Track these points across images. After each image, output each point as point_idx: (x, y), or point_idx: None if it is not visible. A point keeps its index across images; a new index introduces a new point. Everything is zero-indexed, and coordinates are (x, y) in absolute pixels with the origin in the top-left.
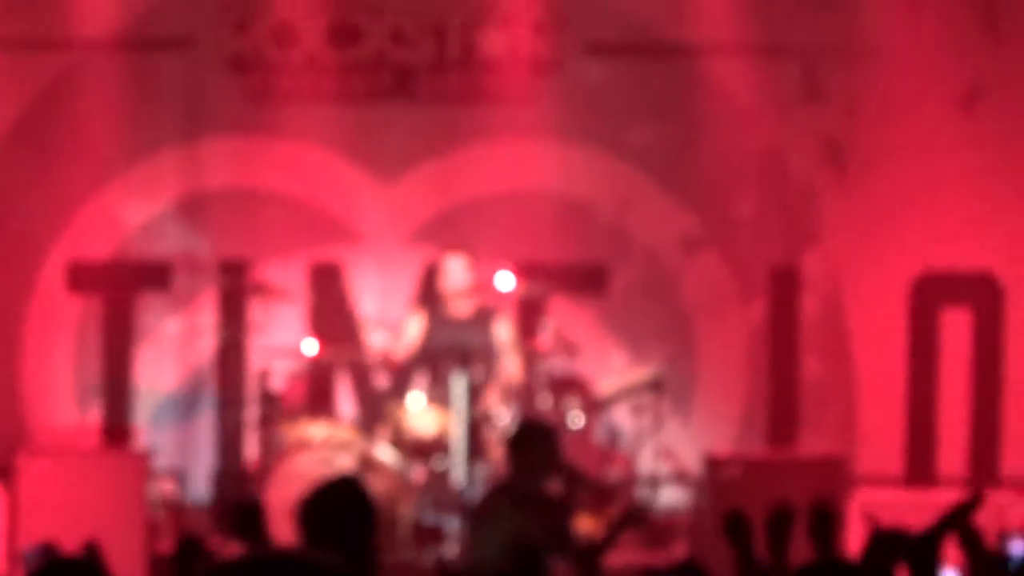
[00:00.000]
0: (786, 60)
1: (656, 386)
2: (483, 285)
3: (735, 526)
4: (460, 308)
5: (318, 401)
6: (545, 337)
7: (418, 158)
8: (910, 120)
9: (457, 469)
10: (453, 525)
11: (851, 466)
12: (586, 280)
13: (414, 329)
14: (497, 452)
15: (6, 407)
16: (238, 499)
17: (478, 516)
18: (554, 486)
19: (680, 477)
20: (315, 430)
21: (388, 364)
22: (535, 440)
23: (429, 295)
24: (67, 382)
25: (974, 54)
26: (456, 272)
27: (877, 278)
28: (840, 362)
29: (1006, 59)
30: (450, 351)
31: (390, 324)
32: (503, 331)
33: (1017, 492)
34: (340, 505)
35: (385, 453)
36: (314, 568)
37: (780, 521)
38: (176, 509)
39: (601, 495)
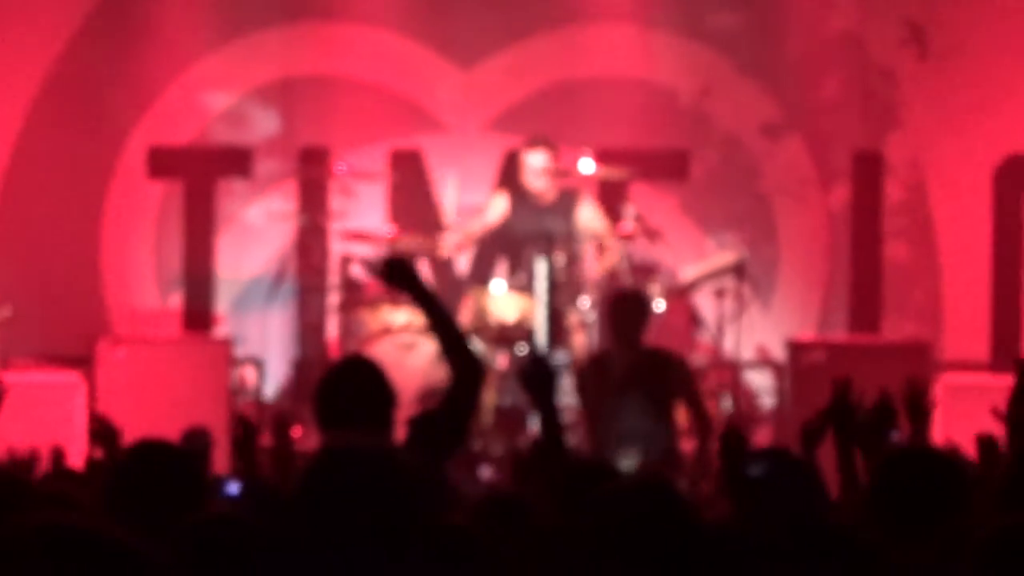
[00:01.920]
0: None
1: (738, 271)
2: (565, 171)
3: (839, 408)
4: (542, 195)
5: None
6: (627, 222)
7: (498, 44)
8: (993, 2)
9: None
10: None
11: (936, 351)
12: (668, 166)
13: (498, 208)
14: (579, 337)
15: (87, 293)
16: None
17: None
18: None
19: (764, 362)
20: (396, 316)
21: (465, 243)
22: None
23: (511, 179)
24: (148, 268)
25: None
26: (537, 160)
27: (961, 162)
28: (924, 247)
29: None
30: (533, 236)
31: (471, 212)
32: (587, 213)
33: None
34: (354, 386)
35: None
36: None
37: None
38: (257, 396)
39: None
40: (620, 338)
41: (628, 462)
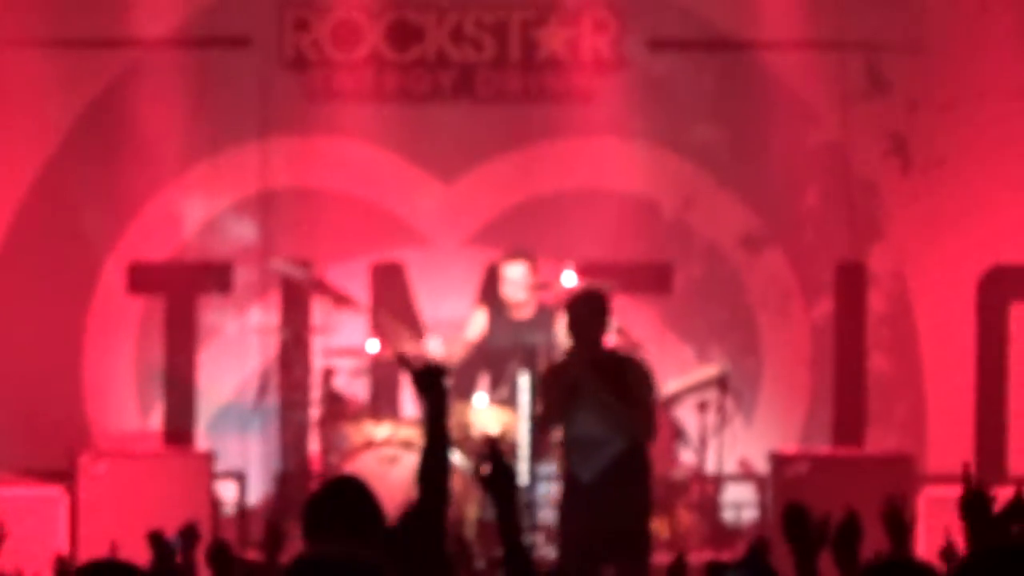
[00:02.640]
0: (850, 54)
1: (721, 384)
2: (545, 284)
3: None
4: (522, 310)
5: (381, 400)
6: (609, 336)
7: (479, 158)
8: (975, 114)
9: (521, 468)
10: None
11: (920, 464)
12: (650, 278)
13: (478, 323)
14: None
15: (68, 410)
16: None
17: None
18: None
19: (746, 475)
20: (378, 430)
21: (449, 361)
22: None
23: (492, 294)
24: (129, 384)
25: None
26: (515, 272)
27: (944, 273)
28: (908, 359)
29: None
30: (514, 350)
31: (452, 325)
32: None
33: None
34: (342, 504)
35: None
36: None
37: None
38: (239, 511)
39: (669, 493)
40: (578, 339)
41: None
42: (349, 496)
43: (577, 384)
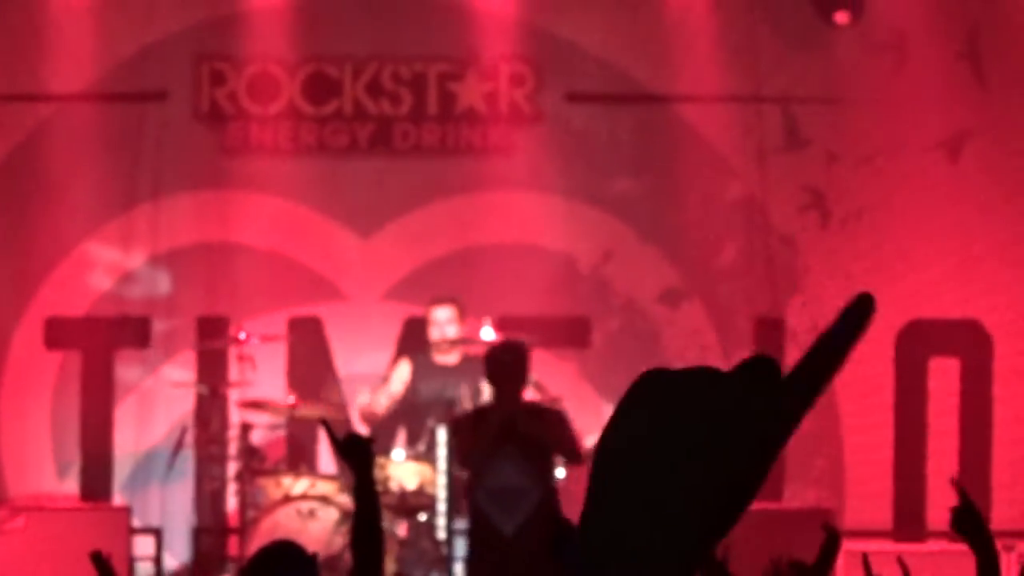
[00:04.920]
0: (767, 108)
1: None
2: (468, 339)
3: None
4: (447, 356)
5: (299, 455)
6: (528, 390)
7: (397, 212)
8: (893, 168)
9: (439, 522)
10: None
11: (839, 519)
12: (568, 333)
13: (401, 375)
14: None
15: None
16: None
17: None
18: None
19: None
20: (296, 484)
21: (371, 417)
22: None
23: (412, 346)
24: (45, 439)
25: (958, 102)
26: (444, 314)
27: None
28: (826, 413)
29: (991, 107)
30: (434, 403)
31: (368, 380)
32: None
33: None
34: (280, 568)
35: None
36: None
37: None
38: (156, 567)
39: None
40: (498, 390)
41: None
42: (288, 561)
43: (497, 433)
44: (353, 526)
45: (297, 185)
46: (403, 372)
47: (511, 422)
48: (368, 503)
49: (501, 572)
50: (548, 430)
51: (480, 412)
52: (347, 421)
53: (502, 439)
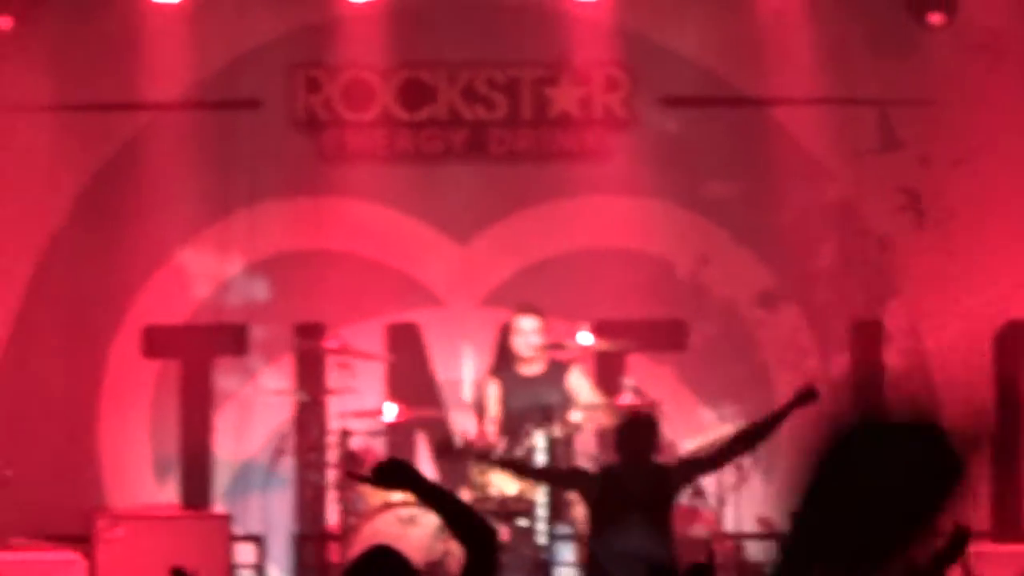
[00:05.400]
0: (861, 110)
1: None
2: (562, 344)
3: None
4: (532, 365)
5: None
6: (625, 395)
7: (493, 217)
8: (988, 169)
9: (539, 528)
10: None
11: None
12: (665, 337)
13: (493, 398)
14: (580, 509)
15: (85, 474)
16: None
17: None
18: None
19: (766, 533)
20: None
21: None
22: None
23: (503, 358)
24: (145, 448)
25: None
26: (527, 324)
27: (961, 329)
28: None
29: None
30: (529, 410)
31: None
32: (576, 380)
33: None
34: (380, 572)
35: None
36: None
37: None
38: (257, 575)
39: (689, 551)
40: (628, 457)
41: None
42: (388, 566)
43: (626, 500)
44: (450, 527)
45: (393, 191)
46: (493, 393)
47: (642, 490)
48: (444, 506)
49: None
50: (673, 489)
51: (608, 474)
52: (446, 426)
53: (630, 506)
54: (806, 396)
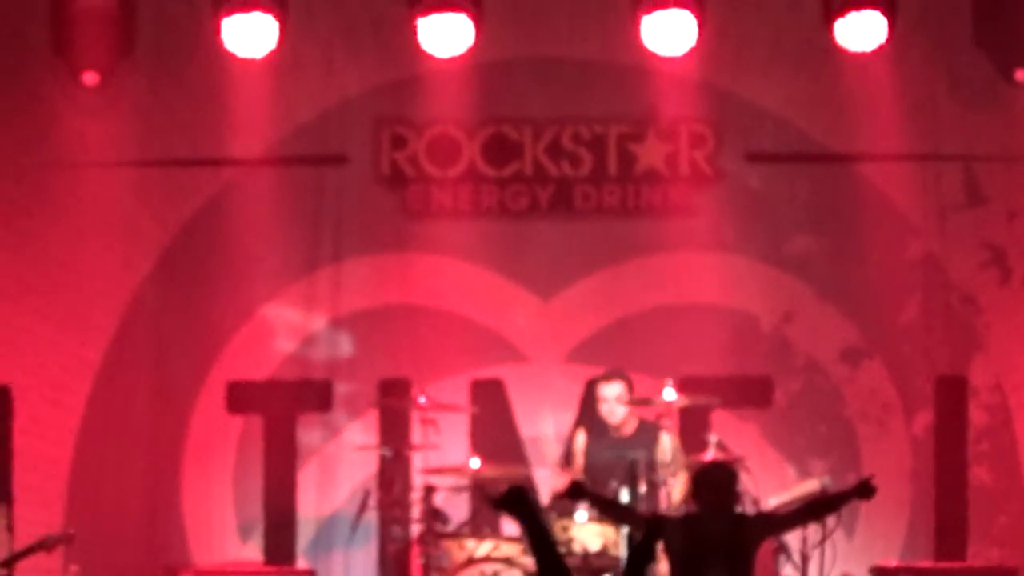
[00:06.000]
0: (946, 165)
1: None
2: (647, 399)
3: None
4: (623, 428)
5: (482, 517)
6: (710, 450)
7: (577, 273)
8: None
9: None
10: None
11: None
12: (750, 393)
13: (579, 447)
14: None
15: (168, 528)
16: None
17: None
18: None
19: None
20: (480, 546)
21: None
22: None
23: (589, 412)
24: (228, 503)
25: None
26: (611, 391)
27: None
28: (1009, 471)
29: None
30: (615, 466)
31: (550, 442)
32: (666, 446)
33: None
34: None
35: None
36: None
37: None
38: None
39: None
40: (709, 506)
41: None
42: None
43: (708, 545)
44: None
45: (478, 247)
46: (579, 443)
47: (721, 540)
48: (545, 549)
49: None
50: (754, 540)
51: (689, 521)
52: (530, 482)
53: (711, 553)
54: (865, 490)
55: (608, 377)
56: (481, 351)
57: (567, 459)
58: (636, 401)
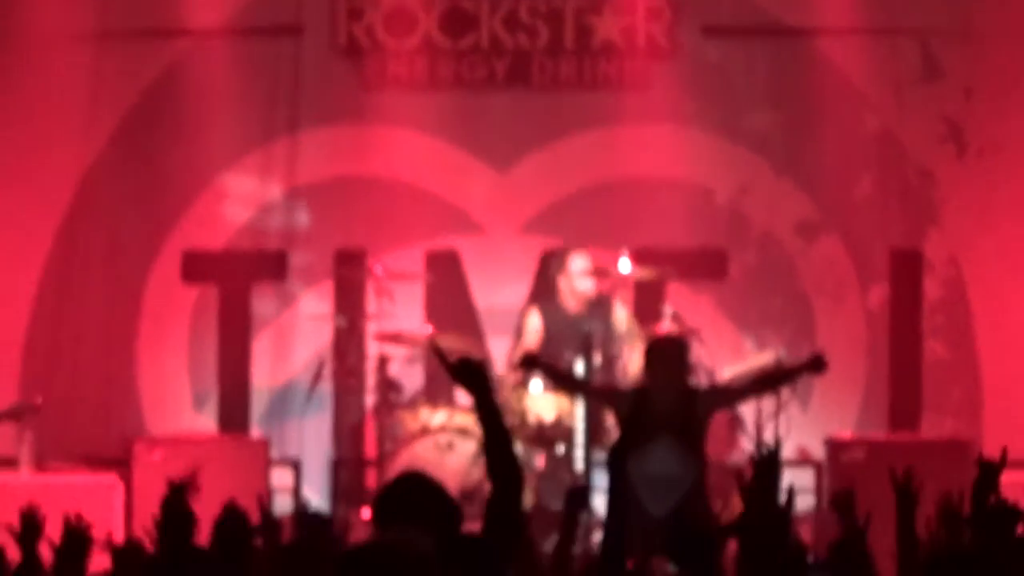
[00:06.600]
0: (903, 40)
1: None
2: (603, 270)
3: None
4: (577, 301)
5: (436, 387)
6: (664, 322)
7: (533, 145)
8: None
9: (577, 454)
10: None
11: (977, 448)
12: (705, 265)
13: (533, 327)
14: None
15: (123, 399)
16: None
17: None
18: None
19: (803, 461)
20: (434, 416)
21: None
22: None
23: (544, 287)
24: (182, 373)
25: None
26: (580, 264)
27: (1000, 259)
28: (963, 344)
29: None
30: (570, 340)
31: (505, 314)
32: (620, 317)
33: None
34: (410, 498)
35: None
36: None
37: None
38: (295, 499)
39: (726, 478)
40: (659, 380)
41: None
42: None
43: (657, 422)
44: (486, 452)
45: (434, 119)
46: (534, 323)
47: (671, 413)
48: (492, 425)
49: (644, 548)
50: (704, 414)
51: (639, 394)
52: (485, 353)
53: (661, 428)
54: (817, 364)
55: (577, 249)
56: (437, 222)
57: (517, 335)
58: (593, 271)
